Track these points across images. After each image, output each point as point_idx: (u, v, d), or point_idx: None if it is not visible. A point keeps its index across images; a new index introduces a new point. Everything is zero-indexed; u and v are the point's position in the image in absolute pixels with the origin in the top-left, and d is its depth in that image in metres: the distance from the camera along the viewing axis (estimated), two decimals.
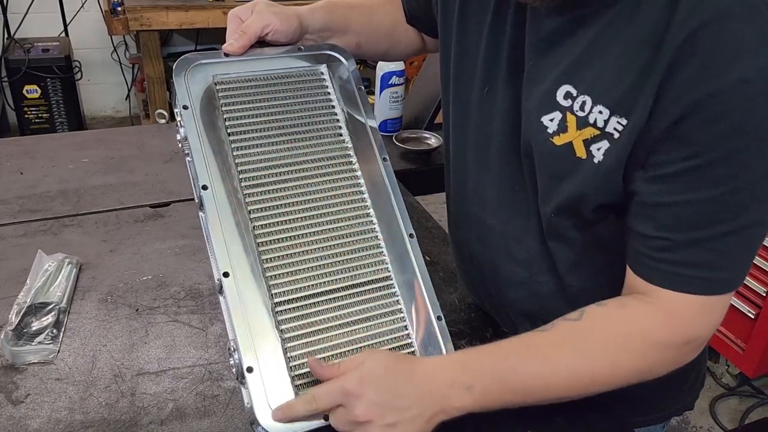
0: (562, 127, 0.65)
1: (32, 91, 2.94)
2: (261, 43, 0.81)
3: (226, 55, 0.78)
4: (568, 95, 0.64)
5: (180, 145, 0.77)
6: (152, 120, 2.47)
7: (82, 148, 1.32)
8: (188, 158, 0.75)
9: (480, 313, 0.91)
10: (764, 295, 1.80)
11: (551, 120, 0.66)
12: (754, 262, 1.79)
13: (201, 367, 0.80)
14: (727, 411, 1.94)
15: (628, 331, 0.64)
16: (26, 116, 2.99)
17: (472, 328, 0.89)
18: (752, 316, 1.83)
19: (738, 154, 0.56)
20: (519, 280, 0.79)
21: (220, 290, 0.71)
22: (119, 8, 2.58)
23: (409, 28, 0.97)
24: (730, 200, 0.58)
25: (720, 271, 0.61)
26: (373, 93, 1.50)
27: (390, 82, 1.43)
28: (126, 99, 3.45)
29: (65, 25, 3.13)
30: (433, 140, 1.40)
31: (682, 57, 0.55)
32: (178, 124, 0.77)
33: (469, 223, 0.84)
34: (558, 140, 0.66)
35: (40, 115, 3.01)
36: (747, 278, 1.80)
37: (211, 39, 3.27)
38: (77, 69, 3.11)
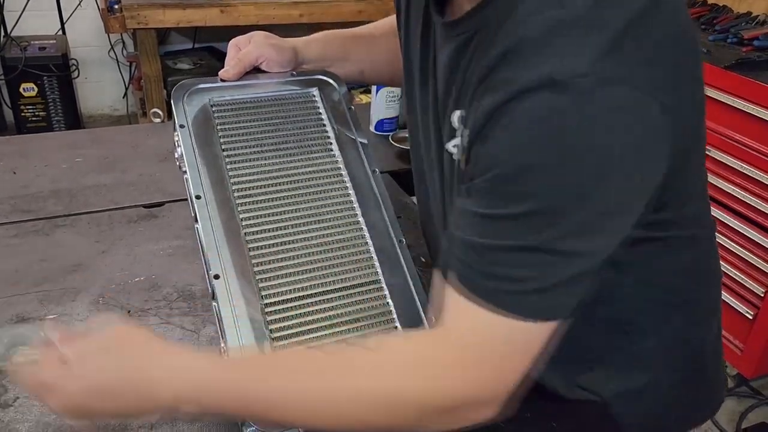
0: (460, 151, 0.65)
1: (29, 89, 2.93)
2: (257, 70, 0.87)
3: (222, 80, 0.84)
4: (461, 119, 0.64)
5: (177, 164, 0.81)
6: (149, 119, 2.46)
7: (75, 147, 1.31)
8: (186, 176, 0.77)
9: None
10: (762, 295, 1.80)
11: (455, 146, 0.65)
12: (752, 263, 1.79)
13: None
14: (725, 412, 1.93)
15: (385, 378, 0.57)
16: (23, 114, 2.98)
17: None
18: (750, 317, 1.83)
19: (529, 168, 0.52)
20: None
21: (213, 296, 0.71)
22: (116, 6, 2.57)
23: None
24: (528, 222, 0.52)
25: (517, 286, 0.54)
26: (369, 92, 1.49)
27: None
28: (123, 97, 3.44)
29: (62, 23, 3.12)
30: None
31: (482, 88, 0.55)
32: (176, 144, 0.80)
33: (432, 241, 0.85)
34: (462, 163, 0.65)
35: (37, 113, 3.00)
36: (745, 279, 1.80)
37: (208, 37, 3.25)
38: (74, 67, 3.09)
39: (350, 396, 0.55)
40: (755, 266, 1.79)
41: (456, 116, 0.64)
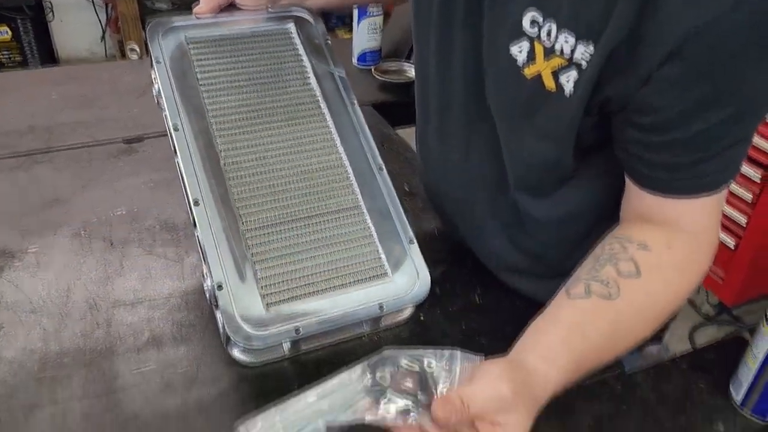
0: (531, 57, 0.62)
1: (3, 32, 2.85)
2: (232, 7, 0.86)
3: (197, 17, 0.84)
4: (533, 22, 0.60)
5: (156, 101, 0.80)
6: (128, 59, 2.40)
7: (52, 84, 1.28)
8: (164, 112, 0.77)
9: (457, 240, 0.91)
10: (744, 225, 1.82)
11: (520, 50, 0.62)
12: (735, 193, 1.80)
13: (177, 297, 0.79)
14: (706, 339, 1.98)
15: (682, 278, 0.63)
16: None
17: (450, 257, 0.88)
18: (732, 246, 1.85)
19: (738, 77, 0.54)
20: (489, 212, 0.79)
21: (194, 224, 0.71)
22: None
23: None
24: (737, 120, 0.56)
25: (726, 173, 0.61)
26: (350, 25, 1.45)
27: (368, 12, 1.39)
28: (101, 41, 3.35)
29: None
30: (413, 71, 1.37)
31: None
32: (153, 80, 0.80)
33: (435, 160, 0.84)
34: (528, 72, 0.62)
35: (12, 57, 2.93)
36: (728, 208, 1.82)
37: None
38: (49, 10, 3.00)
39: (662, 313, 0.63)
40: (737, 195, 1.80)
41: (528, 17, 0.61)
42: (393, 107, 1.30)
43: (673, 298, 0.63)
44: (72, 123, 1.15)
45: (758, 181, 1.76)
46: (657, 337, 0.88)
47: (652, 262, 0.61)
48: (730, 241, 1.86)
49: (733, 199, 1.82)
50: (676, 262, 0.63)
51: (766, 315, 0.65)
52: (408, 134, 1.33)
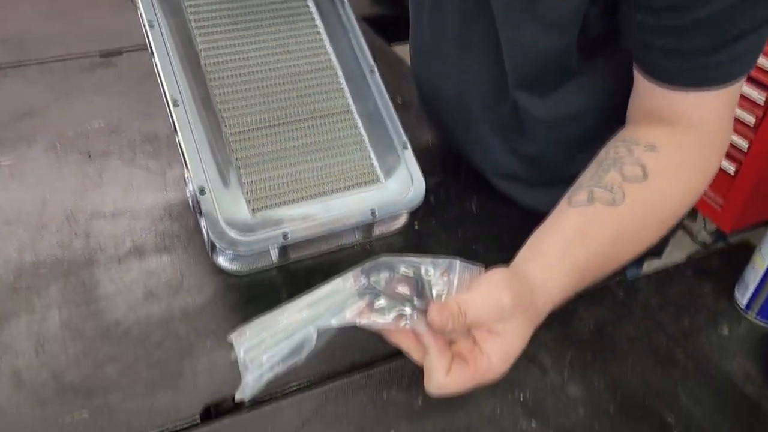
0: None
1: None
2: None
3: None
4: None
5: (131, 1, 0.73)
6: None
7: None
8: (140, 11, 0.71)
9: (452, 151, 0.87)
10: (745, 150, 1.78)
11: None
12: (736, 116, 1.76)
13: (161, 208, 0.75)
14: None
15: (692, 179, 0.60)
16: None
17: (445, 167, 0.85)
18: (732, 173, 1.83)
19: None
20: (485, 114, 0.75)
21: (174, 128, 0.67)
22: None
23: None
24: (752, 4, 0.52)
25: (740, 64, 0.57)
26: None
27: None
28: None
29: None
30: None
31: None
32: None
33: (429, 59, 0.80)
34: None
35: None
36: None
37: None
38: None
39: (670, 217, 0.60)
40: (739, 120, 1.76)
41: None
42: (386, 20, 1.24)
43: (682, 201, 0.60)
44: (45, 35, 1.08)
45: (761, 104, 1.71)
46: (657, 251, 0.86)
47: (661, 164, 0.58)
48: (730, 167, 1.83)
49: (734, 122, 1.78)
50: (687, 162, 0.59)
51: None
52: (403, 51, 1.28)
